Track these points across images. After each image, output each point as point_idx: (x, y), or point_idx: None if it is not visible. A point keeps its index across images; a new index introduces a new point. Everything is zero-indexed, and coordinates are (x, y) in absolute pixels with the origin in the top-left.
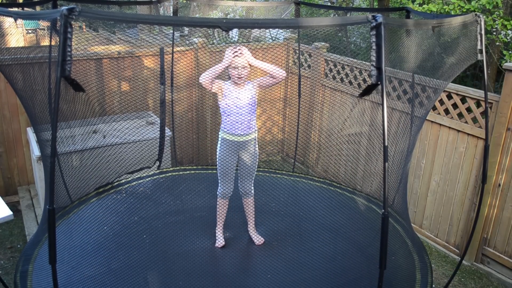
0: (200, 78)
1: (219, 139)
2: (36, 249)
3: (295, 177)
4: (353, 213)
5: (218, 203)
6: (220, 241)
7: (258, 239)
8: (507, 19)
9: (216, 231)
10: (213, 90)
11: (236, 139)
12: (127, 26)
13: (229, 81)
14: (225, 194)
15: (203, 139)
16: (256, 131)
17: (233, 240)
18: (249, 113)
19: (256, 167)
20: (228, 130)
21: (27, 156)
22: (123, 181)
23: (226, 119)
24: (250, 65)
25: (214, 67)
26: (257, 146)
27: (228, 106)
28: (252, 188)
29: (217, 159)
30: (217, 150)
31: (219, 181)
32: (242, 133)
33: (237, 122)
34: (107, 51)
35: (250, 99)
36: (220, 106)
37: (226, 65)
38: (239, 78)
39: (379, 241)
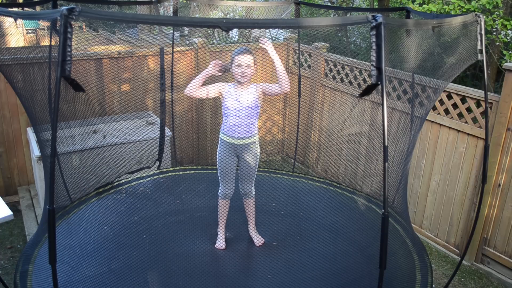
0: (185, 91)
1: (219, 139)
2: (36, 249)
3: (295, 177)
4: (353, 213)
5: (219, 203)
6: (221, 243)
7: (258, 239)
8: (507, 19)
9: (218, 231)
10: (210, 96)
11: (234, 142)
12: (127, 26)
13: (232, 82)
14: (226, 195)
15: (203, 139)
16: (257, 135)
17: (234, 240)
18: (248, 117)
19: (256, 169)
20: (225, 132)
21: (27, 156)
22: (123, 181)
23: (225, 120)
24: (255, 64)
25: (197, 77)
26: (258, 149)
27: (227, 108)
28: (253, 189)
29: (217, 160)
30: (217, 150)
31: (219, 181)
32: (240, 136)
33: (235, 125)
34: (107, 51)
35: (251, 102)
36: (222, 106)
37: (208, 74)
38: (242, 76)
39: (379, 241)
